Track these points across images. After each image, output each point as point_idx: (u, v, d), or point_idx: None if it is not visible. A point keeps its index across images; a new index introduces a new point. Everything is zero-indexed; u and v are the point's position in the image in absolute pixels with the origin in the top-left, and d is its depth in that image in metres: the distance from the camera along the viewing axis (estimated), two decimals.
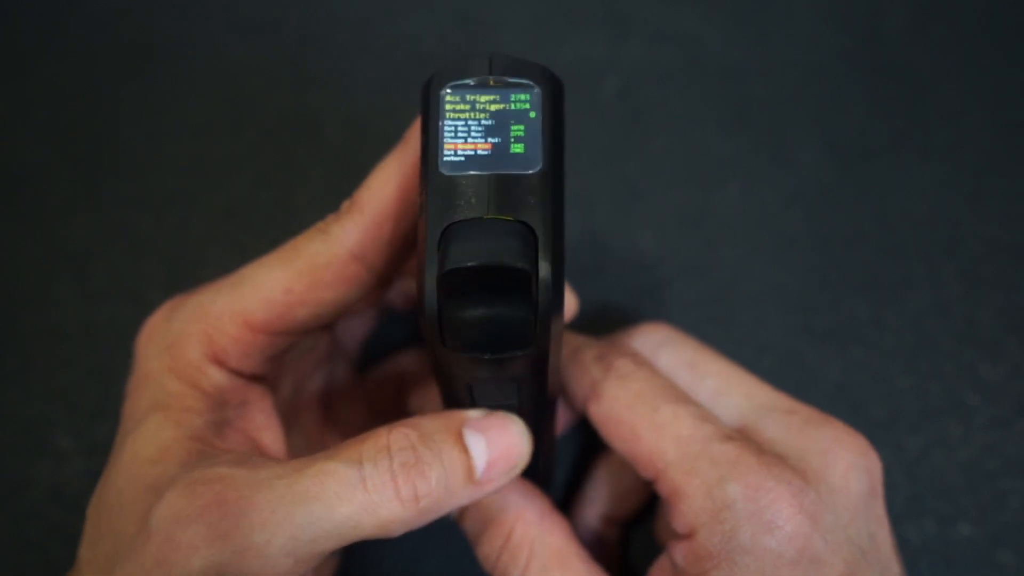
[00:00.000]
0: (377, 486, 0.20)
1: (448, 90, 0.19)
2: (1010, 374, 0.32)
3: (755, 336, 0.34)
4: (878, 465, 0.24)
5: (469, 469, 0.21)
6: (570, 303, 0.26)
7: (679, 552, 0.23)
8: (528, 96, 0.19)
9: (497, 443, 0.21)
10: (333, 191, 0.37)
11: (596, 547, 0.29)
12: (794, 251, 0.35)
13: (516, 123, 0.19)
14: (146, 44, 0.42)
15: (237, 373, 0.24)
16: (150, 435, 0.22)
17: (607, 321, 0.34)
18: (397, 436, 0.21)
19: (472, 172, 0.19)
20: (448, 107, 0.19)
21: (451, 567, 0.30)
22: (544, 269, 0.18)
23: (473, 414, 0.22)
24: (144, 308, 0.35)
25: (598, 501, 0.29)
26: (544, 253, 0.18)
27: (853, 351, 0.33)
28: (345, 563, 0.30)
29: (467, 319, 0.19)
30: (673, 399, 0.24)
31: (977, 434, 0.31)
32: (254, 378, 0.25)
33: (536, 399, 0.23)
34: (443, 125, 0.19)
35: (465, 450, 0.21)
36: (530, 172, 0.19)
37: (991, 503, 0.31)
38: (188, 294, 0.24)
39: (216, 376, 0.23)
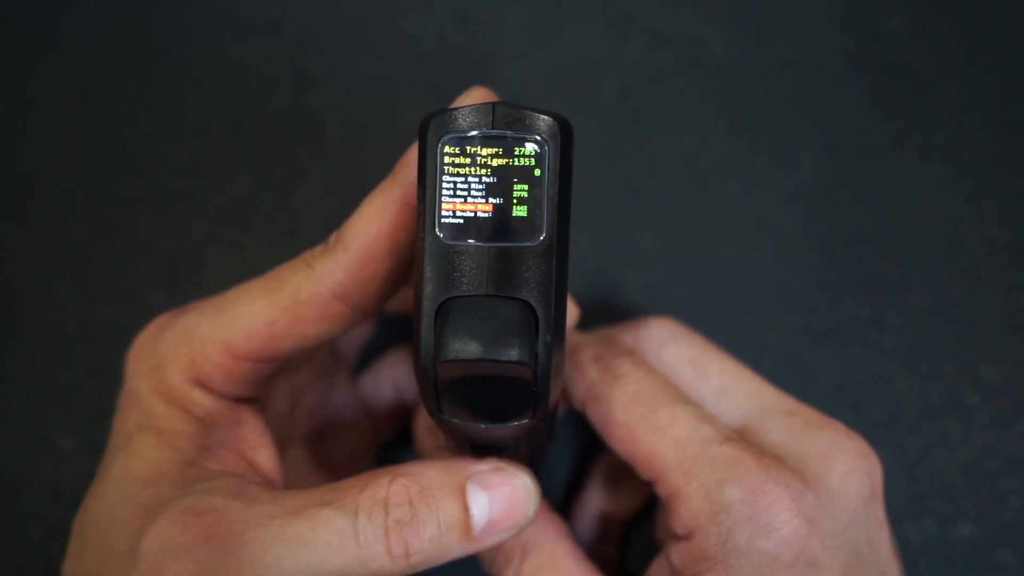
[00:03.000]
0: (369, 541, 0.20)
1: (447, 141, 0.18)
2: (1010, 374, 0.32)
3: (755, 336, 0.34)
4: (878, 468, 0.24)
5: (467, 527, 0.20)
6: (571, 313, 0.25)
7: (676, 553, 0.23)
8: (534, 151, 0.18)
9: (501, 503, 0.21)
10: (333, 191, 0.37)
11: (596, 546, 0.29)
12: (794, 251, 0.35)
13: (520, 182, 0.18)
14: (146, 44, 0.42)
15: (222, 396, 0.24)
16: (144, 454, 0.22)
17: (606, 321, 0.34)
18: (396, 489, 0.20)
19: (471, 242, 0.18)
20: (447, 160, 0.18)
21: (450, 567, 0.30)
22: (543, 350, 0.17)
23: (479, 467, 0.21)
24: (144, 308, 0.35)
25: (598, 500, 0.29)
26: (544, 331, 0.17)
27: (853, 351, 0.33)
28: None
29: (464, 397, 0.19)
30: (671, 400, 0.24)
31: (977, 434, 0.31)
32: (242, 400, 0.24)
33: (537, 440, 0.22)
34: (441, 182, 0.18)
35: (465, 508, 0.20)
36: (532, 244, 0.18)
37: (991, 503, 0.31)
38: (178, 312, 0.24)
39: (202, 400, 0.23)
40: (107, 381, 0.34)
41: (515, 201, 0.18)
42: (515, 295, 0.17)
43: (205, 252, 0.36)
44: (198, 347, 0.23)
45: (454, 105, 0.19)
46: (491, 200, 0.18)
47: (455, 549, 0.21)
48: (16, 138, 0.40)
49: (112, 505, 0.21)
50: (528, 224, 0.18)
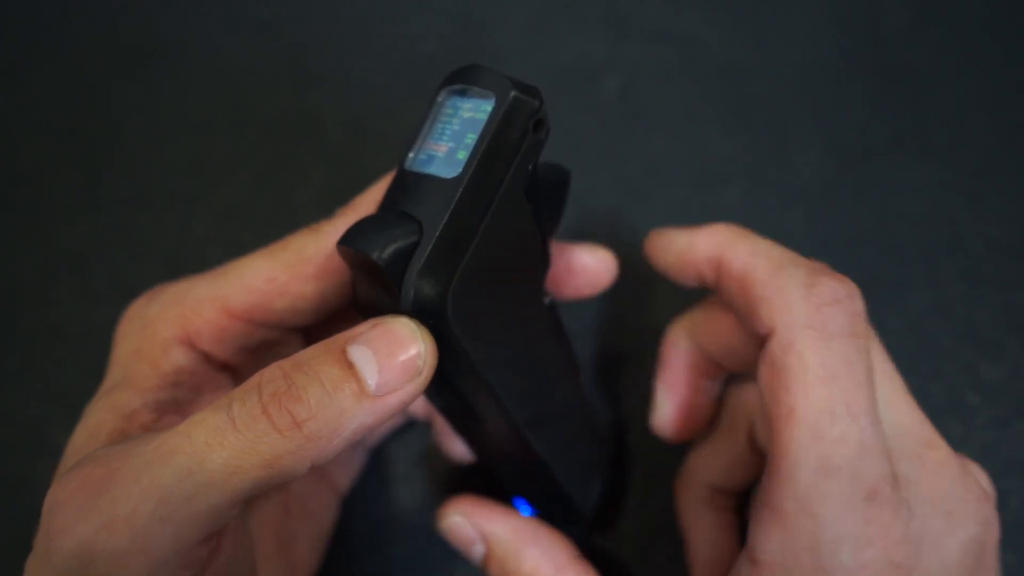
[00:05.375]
0: (247, 422, 0.18)
1: (444, 93, 0.21)
2: (1010, 374, 0.32)
3: None
4: (996, 534, 0.22)
5: (358, 382, 0.19)
6: (607, 261, 0.27)
7: (744, 553, 0.21)
8: (489, 108, 0.20)
9: (385, 349, 0.19)
10: (333, 191, 0.37)
11: (710, 516, 0.27)
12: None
13: (472, 133, 0.20)
14: (145, 44, 0.42)
15: (206, 357, 0.24)
16: (88, 419, 0.22)
17: (607, 322, 0.34)
18: (269, 369, 0.19)
19: (417, 169, 0.20)
20: (437, 109, 0.21)
21: (450, 567, 0.30)
22: (416, 265, 0.19)
23: (357, 330, 0.20)
24: None
25: (704, 472, 0.27)
26: (422, 252, 0.19)
27: None
28: (345, 564, 0.30)
29: (355, 290, 0.21)
30: (859, 411, 0.20)
31: (977, 434, 0.31)
32: (224, 366, 0.25)
33: (480, 405, 0.23)
34: (428, 125, 0.21)
35: (349, 365, 0.19)
36: (447, 177, 0.19)
37: None
38: (172, 281, 0.24)
39: (179, 357, 0.23)
40: None
41: (462, 147, 0.20)
42: (412, 213, 0.19)
43: (205, 252, 0.36)
44: (193, 304, 0.23)
45: None
46: (449, 144, 0.20)
47: (356, 410, 0.19)
48: (16, 138, 0.40)
49: (56, 478, 0.22)
50: (457, 165, 0.19)
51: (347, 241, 0.19)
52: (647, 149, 0.38)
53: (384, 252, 0.19)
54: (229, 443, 0.18)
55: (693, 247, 0.25)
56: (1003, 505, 0.30)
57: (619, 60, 0.40)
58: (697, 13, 0.41)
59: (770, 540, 0.20)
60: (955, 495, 0.21)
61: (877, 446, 0.20)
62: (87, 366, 0.34)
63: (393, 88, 0.40)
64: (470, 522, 0.26)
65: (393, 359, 0.19)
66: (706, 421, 0.28)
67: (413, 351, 0.19)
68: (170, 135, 0.39)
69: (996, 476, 0.31)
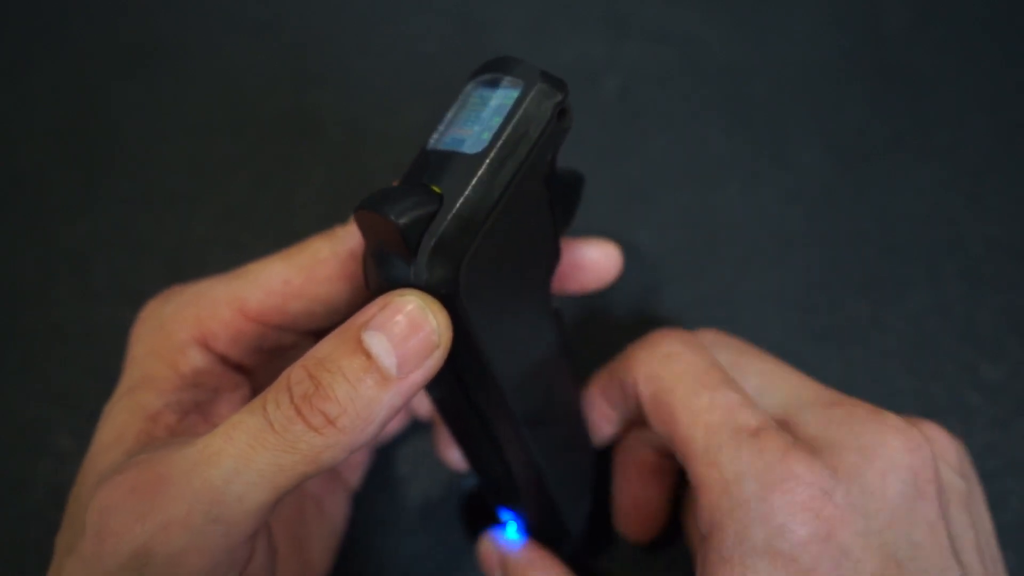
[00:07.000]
0: (284, 424, 0.19)
1: (473, 83, 0.21)
2: (1010, 374, 0.32)
3: (755, 336, 0.33)
4: (929, 464, 0.21)
5: (380, 371, 0.19)
6: (612, 255, 0.27)
7: (700, 554, 0.22)
8: (516, 94, 0.20)
9: (399, 331, 0.19)
10: (333, 191, 0.37)
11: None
12: (794, 251, 0.35)
13: (498, 117, 0.20)
14: (145, 44, 0.42)
15: (222, 358, 0.24)
16: (112, 420, 0.23)
17: (607, 322, 0.34)
18: (295, 370, 0.20)
19: (437, 147, 0.21)
20: (464, 98, 0.21)
21: (452, 567, 0.30)
22: (434, 233, 0.19)
23: (368, 313, 0.20)
24: None
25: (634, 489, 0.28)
26: (441, 220, 0.19)
27: (853, 351, 0.33)
28: (347, 564, 0.30)
29: (366, 265, 0.21)
30: (715, 384, 0.23)
31: (977, 434, 0.31)
32: (239, 367, 0.25)
33: (489, 400, 0.22)
34: (453, 112, 0.21)
35: (367, 354, 0.19)
36: (470, 152, 0.20)
37: (991, 503, 0.30)
38: (187, 284, 0.24)
39: (196, 357, 0.23)
40: (107, 381, 0.33)
41: (487, 129, 0.20)
42: (434, 184, 0.20)
43: (205, 252, 0.36)
44: (208, 306, 0.23)
45: None
46: (474, 127, 0.20)
47: (383, 396, 0.19)
48: (16, 138, 0.40)
49: (82, 479, 0.22)
50: (481, 143, 0.20)
51: (366, 205, 0.19)
52: (647, 149, 0.38)
53: (403, 216, 0.19)
54: (271, 443, 0.19)
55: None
56: (1003, 505, 0.30)
57: (619, 60, 0.40)
58: (697, 13, 0.41)
59: (701, 507, 0.22)
60: (868, 432, 0.22)
61: (749, 403, 0.22)
62: (87, 366, 0.34)
63: (393, 88, 0.40)
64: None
65: (408, 339, 0.19)
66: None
67: (426, 327, 0.19)
68: (170, 135, 0.39)
69: (996, 476, 0.31)
